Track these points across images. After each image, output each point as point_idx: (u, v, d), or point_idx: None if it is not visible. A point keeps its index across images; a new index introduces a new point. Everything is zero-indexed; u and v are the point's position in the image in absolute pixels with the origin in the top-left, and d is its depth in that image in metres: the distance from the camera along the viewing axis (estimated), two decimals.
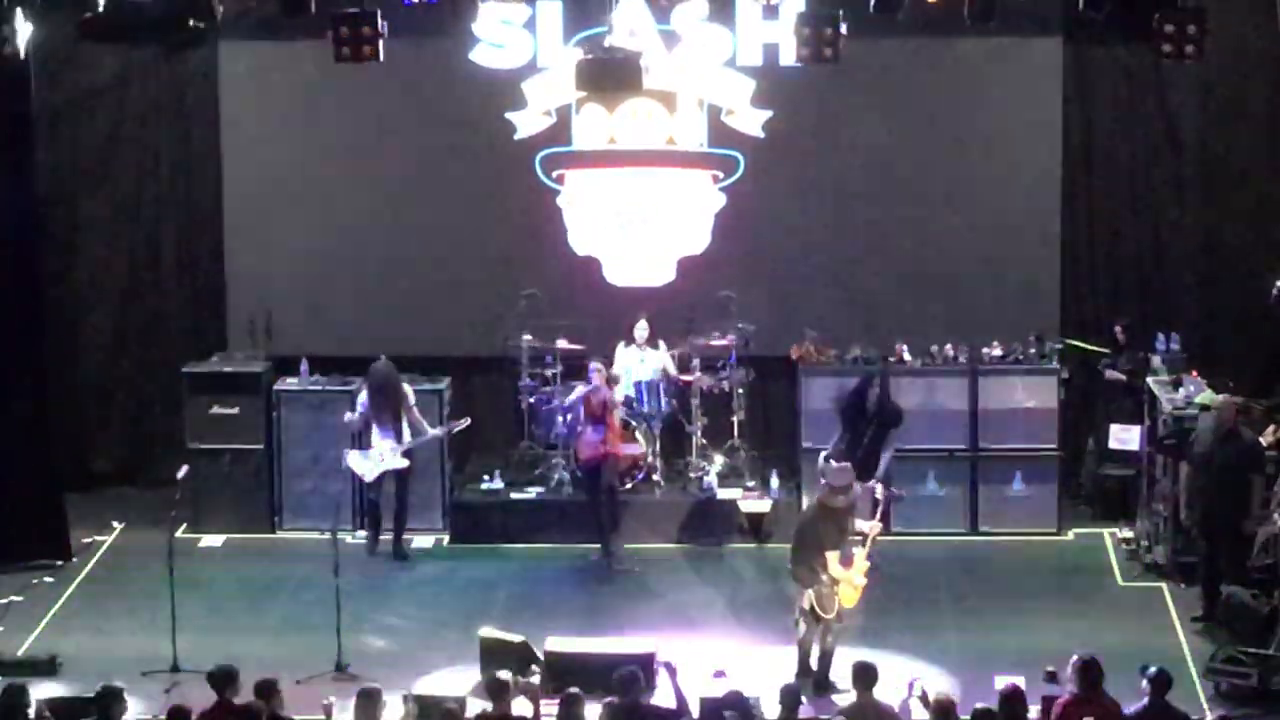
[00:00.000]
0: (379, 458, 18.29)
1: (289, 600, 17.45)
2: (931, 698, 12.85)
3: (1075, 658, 12.86)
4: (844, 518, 15.54)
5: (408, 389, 18.45)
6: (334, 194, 20.19)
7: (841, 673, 15.07)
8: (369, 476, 18.38)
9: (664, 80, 19.43)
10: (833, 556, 15.34)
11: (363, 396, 18.47)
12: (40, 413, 18.62)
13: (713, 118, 19.97)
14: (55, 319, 19.48)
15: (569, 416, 18.95)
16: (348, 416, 18.54)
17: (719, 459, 19.39)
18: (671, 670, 13.41)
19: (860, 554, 15.56)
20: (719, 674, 15.42)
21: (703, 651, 15.82)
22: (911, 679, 13.77)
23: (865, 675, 13.20)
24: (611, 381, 18.41)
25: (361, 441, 18.44)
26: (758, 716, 13.23)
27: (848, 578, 15.39)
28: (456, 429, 18.62)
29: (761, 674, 15.13)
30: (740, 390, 19.41)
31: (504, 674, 13.25)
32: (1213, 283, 20.01)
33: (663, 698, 13.82)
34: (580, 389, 18.42)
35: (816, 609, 15.33)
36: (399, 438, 18.32)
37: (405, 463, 18.31)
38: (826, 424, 18.56)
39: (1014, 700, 12.62)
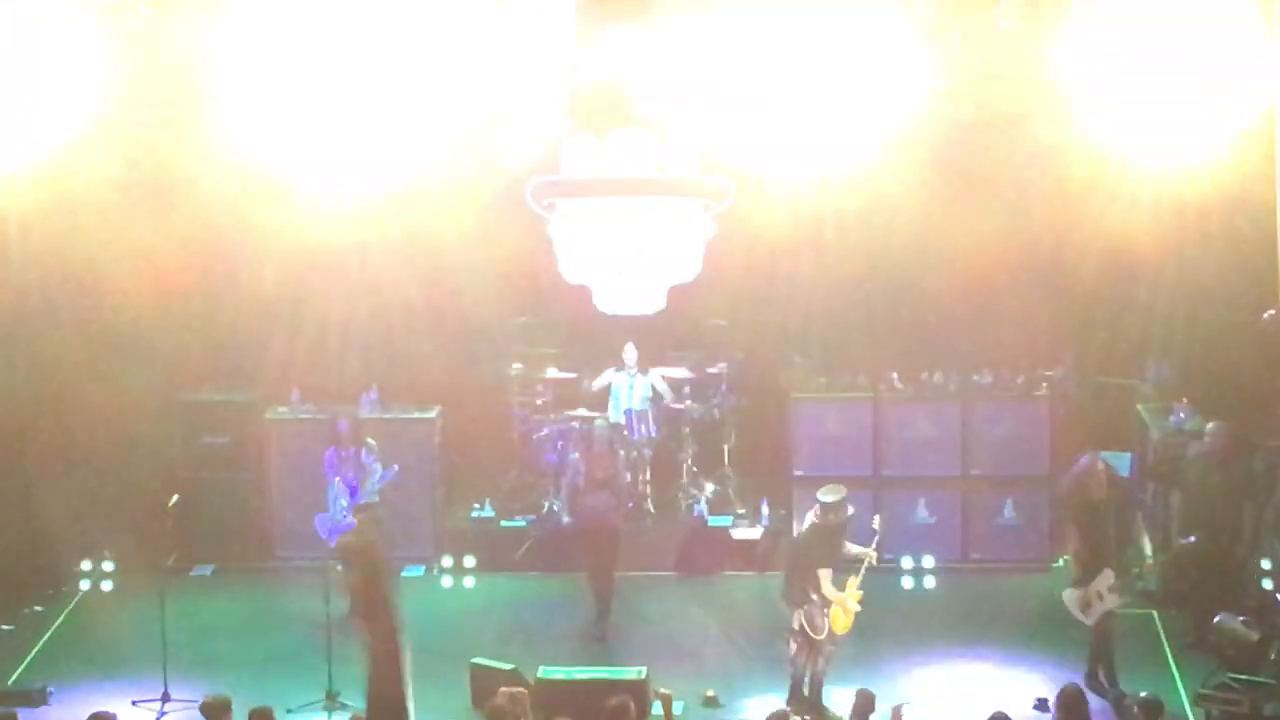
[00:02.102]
0: (333, 519, 17.93)
1: (280, 629, 17.42)
2: None
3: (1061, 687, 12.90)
4: (837, 536, 15.53)
5: (371, 444, 18.15)
6: (324, 223, 20.17)
7: (835, 700, 15.10)
8: (331, 541, 18.07)
9: (654, 109, 19.46)
10: (825, 575, 15.34)
11: (330, 447, 18.07)
12: (30, 442, 18.63)
13: (703, 145, 19.98)
14: (44, 348, 19.46)
15: (561, 446, 18.94)
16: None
17: (710, 486, 19.40)
18: (664, 699, 13.41)
19: (854, 581, 15.55)
20: (712, 702, 15.45)
21: (695, 679, 15.82)
22: (896, 705, 13.79)
23: (862, 703, 13.27)
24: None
25: (325, 500, 18.00)
26: None
27: (840, 600, 15.39)
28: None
29: (754, 701, 15.15)
30: (730, 418, 19.42)
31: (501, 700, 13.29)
32: (1204, 309, 20.00)
33: None
34: (578, 455, 18.13)
35: (807, 629, 15.33)
36: (355, 494, 17.95)
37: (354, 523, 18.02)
38: (816, 452, 18.62)
39: None
